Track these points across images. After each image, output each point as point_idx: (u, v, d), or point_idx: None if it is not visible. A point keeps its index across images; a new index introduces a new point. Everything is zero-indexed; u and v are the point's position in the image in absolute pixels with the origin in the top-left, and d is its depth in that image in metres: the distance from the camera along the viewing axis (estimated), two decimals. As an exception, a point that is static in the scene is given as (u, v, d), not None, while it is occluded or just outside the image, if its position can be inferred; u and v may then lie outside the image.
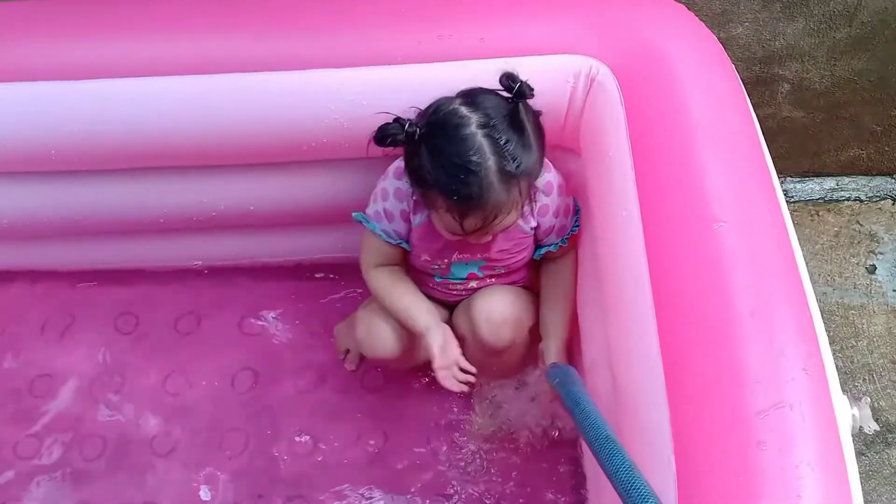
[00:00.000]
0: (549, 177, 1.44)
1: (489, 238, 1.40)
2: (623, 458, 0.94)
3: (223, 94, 1.45)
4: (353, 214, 1.54)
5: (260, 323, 1.85)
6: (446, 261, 1.53)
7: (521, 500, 1.59)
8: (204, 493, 1.62)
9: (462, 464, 1.64)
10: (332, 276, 1.87)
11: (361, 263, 1.58)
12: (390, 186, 1.47)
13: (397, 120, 1.33)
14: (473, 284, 1.57)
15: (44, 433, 1.70)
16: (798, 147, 1.99)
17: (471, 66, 1.31)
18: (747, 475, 0.94)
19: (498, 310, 1.52)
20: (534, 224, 1.48)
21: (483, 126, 1.27)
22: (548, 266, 1.58)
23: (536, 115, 1.33)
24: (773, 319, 1.03)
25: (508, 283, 1.59)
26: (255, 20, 1.46)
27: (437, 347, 1.45)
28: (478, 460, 1.64)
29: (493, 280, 1.57)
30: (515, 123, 1.28)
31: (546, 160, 1.43)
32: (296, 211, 1.71)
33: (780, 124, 1.93)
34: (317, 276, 1.88)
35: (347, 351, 1.76)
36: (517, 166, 1.27)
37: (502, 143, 1.27)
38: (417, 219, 1.48)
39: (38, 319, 1.85)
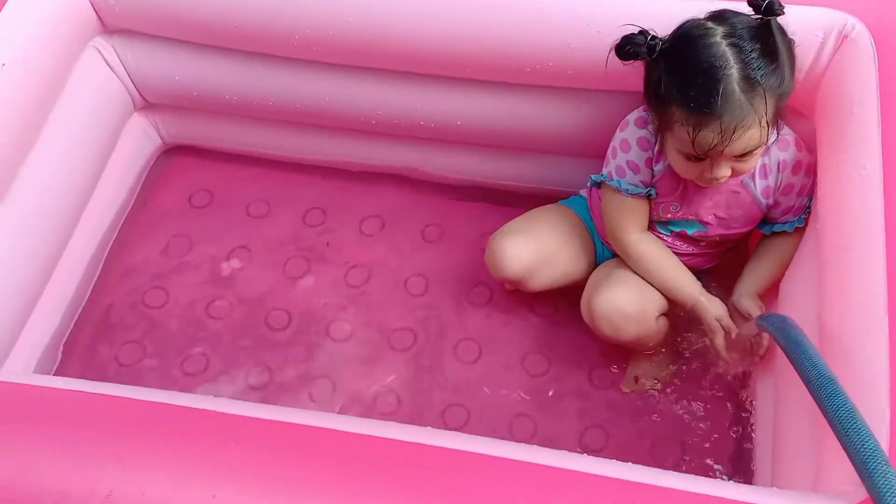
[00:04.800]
0: (800, 155, 1.42)
1: (726, 174, 1.33)
2: (845, 399, 0.94)
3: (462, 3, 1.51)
4: (592, 177, 1.55)
5: (440, 234, 1.92)
6: (669, 215, 1.53)
7: (678, 441, 1.60)
8: (367, 382, 1.71)
9: (619, 404, 1.67)
10: (519, 204, 1.87)
11: (610, 227, 1.55)
12: (632, 136, 1.45)
13: (642, 32, 1.31)
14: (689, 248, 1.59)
15: (233, 297, 1.83)
16: None
17: (715, 5, 1.31)
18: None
19: (619, 306, 1.52)
20: (771, 202, 1.47)
21: (728, 36, 1.24)
22: (772, 237, 1.54)
23: (787, 36, 1.29)
24: None
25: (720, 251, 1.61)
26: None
27: (712, 317, 1.48)
28: (636, 402, 1.67)
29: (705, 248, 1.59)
30: (763, 37, 1.25)
31: (799, 139, 1.42)
32: (500, 132, 1.75)
33: None
34: (506, 201, 1.91)
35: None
36: (762, 76, 1.22)
37: (747, 51, 1.23)
38: (659, 167, 1.46)
39: (244, 200, 1.98)
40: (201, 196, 1.99)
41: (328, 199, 1.98)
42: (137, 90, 1.85)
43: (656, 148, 1.44)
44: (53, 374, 1.68)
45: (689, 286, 1.53)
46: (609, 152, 1.51)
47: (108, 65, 1.78)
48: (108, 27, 1.73)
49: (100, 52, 1.76)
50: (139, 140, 1.96)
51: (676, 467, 1.56)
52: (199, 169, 2.03)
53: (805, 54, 1.37)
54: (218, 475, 1.00)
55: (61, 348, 1.74)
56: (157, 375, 1.72)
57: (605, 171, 1.52)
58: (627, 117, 1.48)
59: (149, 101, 1.90)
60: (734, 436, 1.58)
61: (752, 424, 1.54)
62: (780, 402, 1.32)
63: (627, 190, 1.48)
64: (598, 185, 1.55)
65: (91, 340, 1.77)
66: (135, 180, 1.96)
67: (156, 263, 1.89)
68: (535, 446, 1.10)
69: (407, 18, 1.54)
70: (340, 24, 1.57)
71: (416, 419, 1.67)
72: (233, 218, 1.95)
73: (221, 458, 1.01)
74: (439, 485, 0.97)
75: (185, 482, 1.00)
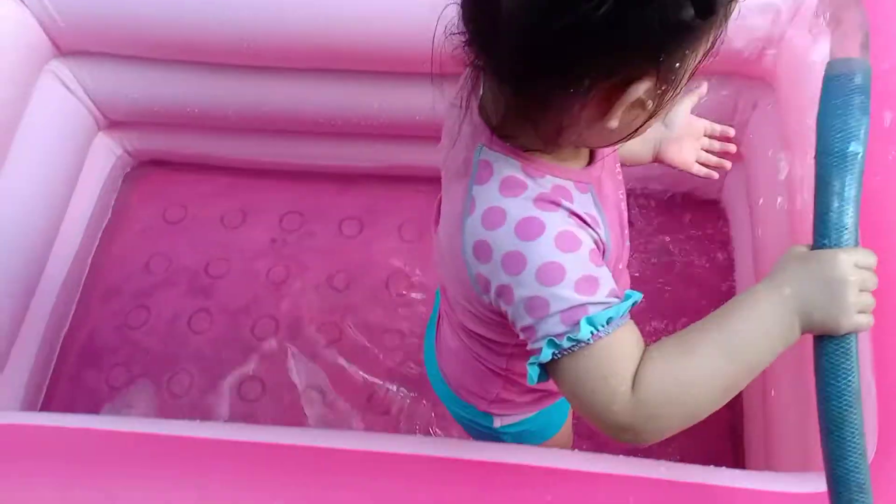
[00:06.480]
0: None
1: None
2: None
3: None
4: (533, 362, 0.77)
5: (419, 230, 1.90)
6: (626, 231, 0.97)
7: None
8: (360, 384, 1.71)
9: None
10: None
11: (602, 394, 0.75)
12: (557, 222, 0.77)
13: None
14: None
15: (216, 310, 1.82)
16: None
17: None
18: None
19: None
20: None
21: None
22: None
23: None
24: None
25: None
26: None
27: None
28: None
29: None
30: None
31: None
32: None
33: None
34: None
35: None
36: None
37: None
38: (602, 227, 0.82)
39: (218, 211, 1.96)
40: (175, 210, 1.97)
41: (304, 203, 1.96)
42: (99, 110, 1.83)
43: (592, 207, 0.82)
44: (41, 406, 1.67)
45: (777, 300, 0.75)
46: (536, 274, 0.75)
47: (66, 87, 1.76)
48: (62, 49, 1.70)
49: (56, 75, 1.73)
50: (106, 159, 1.94)
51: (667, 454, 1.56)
52: (170, 183, 2.01)
53: (763, 17, 1.36)
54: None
55: (48, 378, 1.72)
56: (146, 396, 1.70)
57: (545, 326, 0.76)
58: (506, 209, 0.77)
59: (112, 120, 1.87)
60: (726, 417, 1.57)
61: (742, 406, 1.54)
62: (768, 381, 1.32)
63: (620, 316, 0.76)
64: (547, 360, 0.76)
65: (77, 367, 1.76)
66: (106, 200, 1.94)
67: (135, 282, 1.87)
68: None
69: (352, 18, 1.52)
70: (285, 29, 1.54)
71: (410, 420, 1.67)
72: (209, 230, 1.93)
73: (208, 485, 1.01)
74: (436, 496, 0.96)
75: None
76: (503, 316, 0.81)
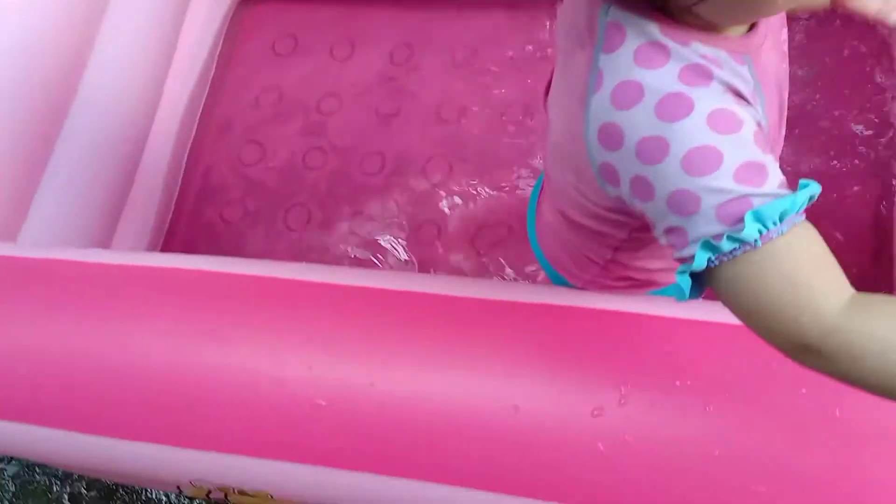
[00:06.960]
0: None
1: None
2: None
3: None
4: (700, 247, 0.61)
5: (537, 56, 1.78)
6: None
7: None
8: (470, 221, 1.67)
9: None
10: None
11: (791, 306, 0.59)
12: (710, 98, 0.61)
13: None
14: None
15: (327, 145, 1.80)
16: None
17: None
18: None
19: None
20: None
21: None
22: None
23: None
24: None
25: None
26: None
27: None
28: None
29: None
30: None
31: None
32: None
33: None
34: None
35: None
36: None
37: None
38: (759, 104, 0.67)
39: (327, 42, 1.89)
40: (285, 43, 1.92)
41: (414, 32, 1.87)
42: (203, -63, 1.76)
43: (751, 83, 0.66)
44: (163, 243, 1.73)
45: None
46: (670, 186, 0.61)
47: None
48: None
49: None
50: (214, -10, 1.88)
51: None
52: (279, 14, 1.95)
53: None
54: (313, 346, 0.99)
55: (169, 216, 1.77)
56: (263, 231, 1.74)
57: (696, 226, 0.61)
58: (643, 83, 0.63)
59: (217, -52, 1.80)
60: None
61: None
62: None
63: (796, 211, 0.60)
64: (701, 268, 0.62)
65: (196, 204, 1.80)
66: (215, 34, 1.89)
67: (248, 117, 1.86)
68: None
69: None
70: None
71: (519, 259, 1.62)
72: (319, 62, 1.88)
73: (316, 329, 1.00)
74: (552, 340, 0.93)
75: (284, 356, 1.00)
76: (626, 213, 0.68)
